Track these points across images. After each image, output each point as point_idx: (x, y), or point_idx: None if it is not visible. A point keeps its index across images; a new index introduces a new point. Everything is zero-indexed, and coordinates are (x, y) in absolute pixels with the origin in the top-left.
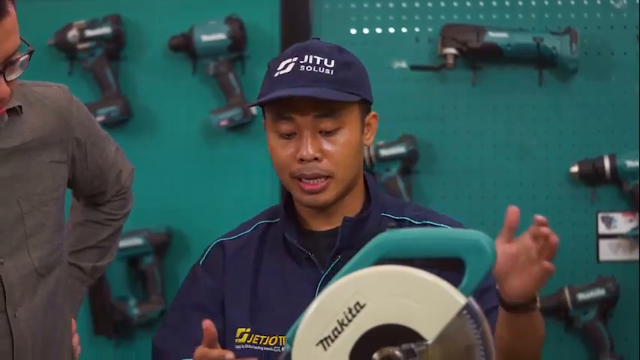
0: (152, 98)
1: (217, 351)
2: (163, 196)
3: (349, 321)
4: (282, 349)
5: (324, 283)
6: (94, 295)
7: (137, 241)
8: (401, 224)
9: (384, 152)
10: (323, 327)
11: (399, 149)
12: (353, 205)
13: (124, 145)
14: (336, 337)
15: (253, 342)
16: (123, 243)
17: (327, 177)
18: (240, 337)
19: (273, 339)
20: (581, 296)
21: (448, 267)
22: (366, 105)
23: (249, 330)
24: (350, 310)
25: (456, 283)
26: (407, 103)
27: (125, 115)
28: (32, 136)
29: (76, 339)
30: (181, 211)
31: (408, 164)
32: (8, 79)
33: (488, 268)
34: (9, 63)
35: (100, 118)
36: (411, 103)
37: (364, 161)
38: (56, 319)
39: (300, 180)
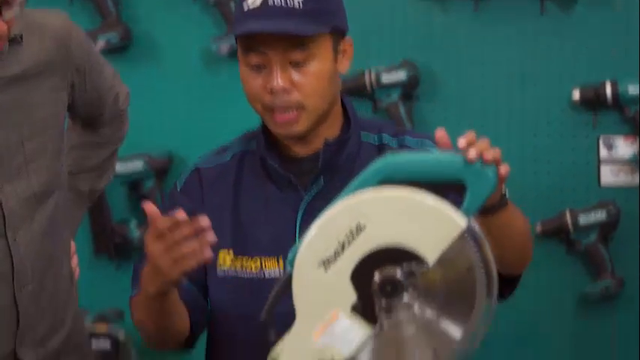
0: (152, 25)
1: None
2: (164, 122)
3: (350, 243)
4: (267, 274)
5: (307, 207)
6: (94, 217)
7: (138, 165)
8: (380, 146)
9: (385, 78)
10: (324, 249)
11: (400, 75)
12: (332, 130)
13: (124, 72)
14: (336, 258)
15: (236, 267)
16: (124, 168)
17: (298, 108)
18: (223, 261)
19: (256, 261)
20: (582, 219)
21: (449, 190)
22: (339, 33)
23: (231, 253)
24: (351, 232)
25: (456, 206)
26: (408, 32)
27: (125, 41)
28: (32, 63)
29: (74, 261)
30: (182, 137)
31: (408, 90)
32: (5, 17)
33: (490, 191)
34: (4, 2)
35: (99, 45)
36: (413, 32)
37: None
38: (55, 242)
39: (272, 111)
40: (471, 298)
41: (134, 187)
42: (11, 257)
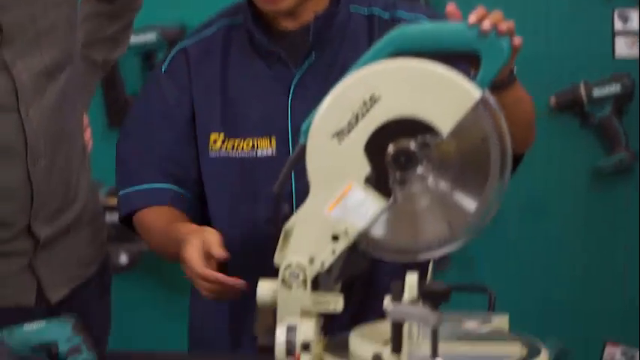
0: None
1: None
2: None
3: (364, 114)
4: (259, 153)
5: (298, 83)
6: (107, 89)
7: (151, 37)
8: (370, 17)
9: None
10: (338, 120)
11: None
12: (320, 3)
13: None
14: (350, 129)
15: (228, 149)
16: (137, 39)
17: None
18: (214, 143)
19: (248, 142)
20: (596, 92)
21: (463, 60)
22: None
23: (222, 135)
24: (365, 103)
25: (470, 78)
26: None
27: None
28: None
29: (88, 134)
30: (195, 8)
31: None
32: None
33: (504, 62)
34: None
35: None
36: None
37: None
38: (68, 116)
39: None
40: (485, 169)
41: (147, 58)
42: (24, 132)
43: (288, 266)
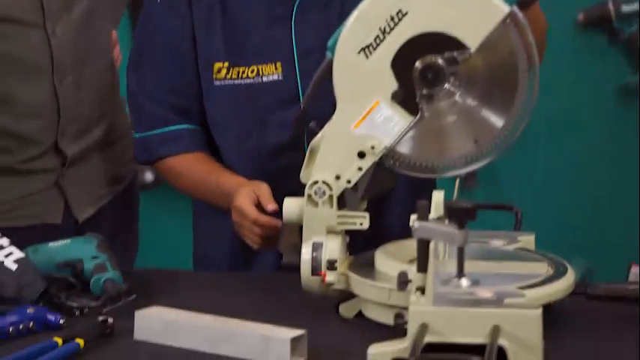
0: None
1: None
2: None
3: (391, 29)
4: (265, 78)
5: (301, 5)
6: (135, 5)
7: None
8: None
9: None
10: (364, 35)
11: None
12: None
13: None
14: (377, 45)
15: (233, 77)
16: None
17: None
18: (219, 72)
19: (252, 69)
20: (625, 8)
21: None
22: None
23: (227, 64)
24: (392, 18)
25: None
26: None
27: None
28: None
29: (117, 50)
30: None
31: None
32: None
33: None
34: None
35: None
36: None
37: None
38: (95, 33)
39: None
40: (513, 85)
41: None
42: (50, 49)
43: (314, 183)
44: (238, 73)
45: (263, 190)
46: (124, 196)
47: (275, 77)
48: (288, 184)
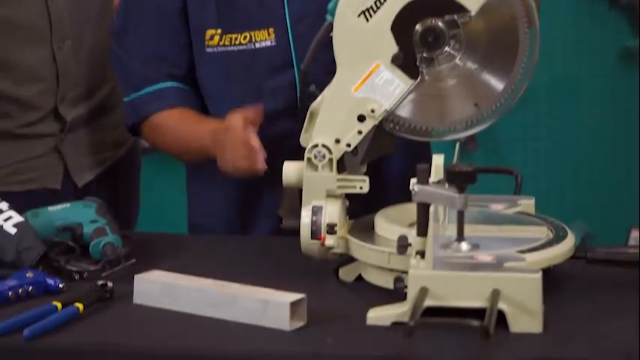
0: None
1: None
2: None
3: None
4: (258, 45)
5: None
6: None
7: None
8: None
9: None
10: None
11: None
12: None
13: None
14: (378, 7)
15: (225, 43)
16: None
17: None
18: (211, 39)
19: (245, 36)
20: None
21: None
22: None
23: (219, 31)
24: None
25: None
26: None
27: None
28: None
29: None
30: None
31: None
32: None
33: None
34: None
35: None
36: None
37: None
38: None
39: None
40: (513, 48)
41: None
42: (49, 13)
43: (314, 147)
44: (231, 39)
45: (250, 113)
46: (124, 161)
47: (268, 43)
48: (282, 151)
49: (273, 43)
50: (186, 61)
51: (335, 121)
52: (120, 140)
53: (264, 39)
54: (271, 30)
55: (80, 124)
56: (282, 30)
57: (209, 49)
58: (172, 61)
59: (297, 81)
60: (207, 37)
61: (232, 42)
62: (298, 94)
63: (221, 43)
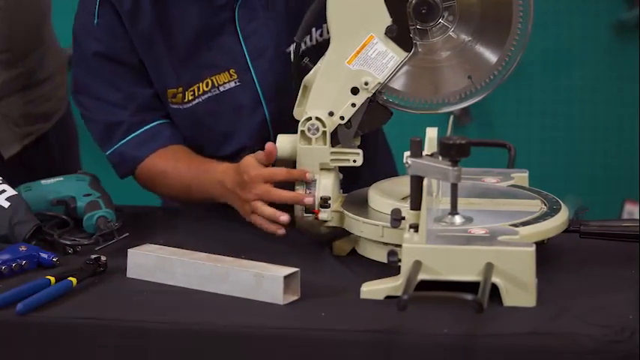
0: None
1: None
2: None
3: None
4: (222, 88)
5: (242, 6)
6: None
7: None
8: None
9: None
10: None
11: None
12: None
13: None
14: None
15: (189, 99)
16: None
17: None
18: (174, 97)
19: (207, 82)
20: None
21: None
22: None
23: (180, 89)
24: None
25: None
26: None
27: None
28: None
29: None
30: None
31: None
32: None
33: None
34: None
35: None
36: None
37: None
38: None
39: None
40: (506, 20)
41: None
42: None
43: (308, 120)
44: (194, 92)
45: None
46: (56, 131)
47: (232, 84)
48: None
49: (238, 84)
50: (158, 104)
51: (328, 93)
52: (48, 113)
53: (227, 81)
54: (232, 71)
55: (6, 94)
56: (244, 69)
57: (174, 107)
58: (145, 106)
59: (269, 119)
60: (170, 95)
61: (196, 94)
62: (271, 132)
63: (185, 100)
